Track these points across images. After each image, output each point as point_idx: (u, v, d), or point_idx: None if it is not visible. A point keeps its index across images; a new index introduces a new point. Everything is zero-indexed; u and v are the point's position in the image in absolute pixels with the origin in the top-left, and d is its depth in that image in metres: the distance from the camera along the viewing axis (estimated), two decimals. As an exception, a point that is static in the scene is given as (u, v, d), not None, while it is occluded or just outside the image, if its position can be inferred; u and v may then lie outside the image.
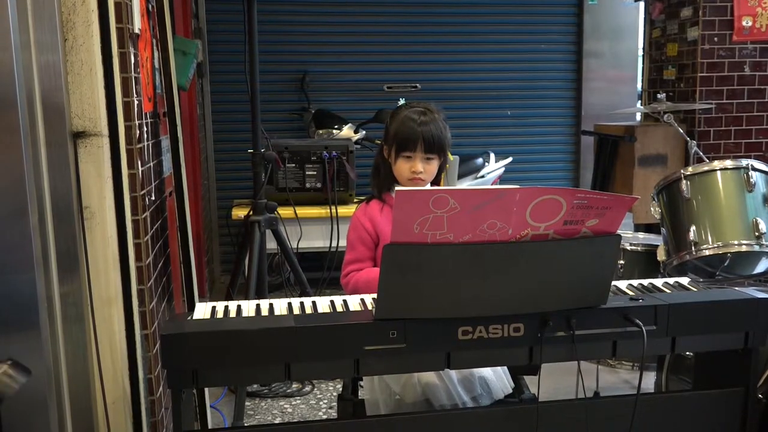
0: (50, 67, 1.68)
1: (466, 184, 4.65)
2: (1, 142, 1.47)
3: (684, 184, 2.62)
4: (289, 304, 1.74)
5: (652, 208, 2.78)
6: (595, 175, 4.69)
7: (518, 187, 1.47)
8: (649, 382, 2.86)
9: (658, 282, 1.95)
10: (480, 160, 4.85)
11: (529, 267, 1.54)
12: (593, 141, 4.85)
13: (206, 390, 2.60)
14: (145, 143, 2.11)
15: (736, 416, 1.83)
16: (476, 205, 1.44)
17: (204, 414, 2.55)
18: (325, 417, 3.04)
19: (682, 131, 3.34)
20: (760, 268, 2.64)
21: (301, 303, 1.75)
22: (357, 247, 2.06)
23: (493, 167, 4.89)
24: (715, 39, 4.33)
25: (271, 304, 1.73)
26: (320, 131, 4.85)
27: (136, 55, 2.02)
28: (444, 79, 5.39)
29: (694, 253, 2.55)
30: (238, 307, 1.73)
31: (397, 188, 1.46)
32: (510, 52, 5.49)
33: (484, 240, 1.49)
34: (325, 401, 3.21)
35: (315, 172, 4.09)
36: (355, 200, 4.14)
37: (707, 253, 2.54)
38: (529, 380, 2.02)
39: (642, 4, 5.24)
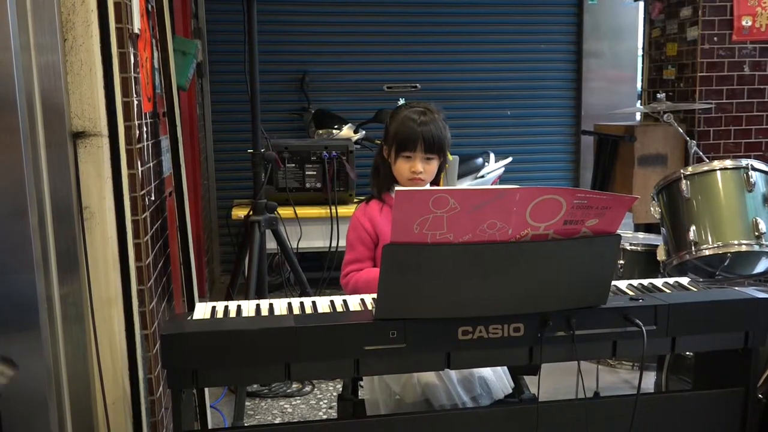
0: (50, 68, 1.68)
1: (465, 184, 4.65)
2: (1, 142, 1.47)
3: (684, 184, 2.61)
4: (289, 304, 1.74)
5: (651, 208, 2.78)
6: (594, 175, 4.69)
7: (518, 187, 1.47)
8: (649, 382, 2.86)
9: (658, 282, 1.95)
10: (480, 160, 4.85)
11: (529, 267, 1.54)
12: (593, 141, 4.85)
13: (206, 390, 2.60)
14: (145, 143, 2.11)
15: (736, 416, 1.83)
16: (476, 205, 1.44)
17: (204, 414, 2.55)
18: (325, 417, 3.04)
19: (681, 131, 3.34)
20: (760, 268, 2.64)
21: (301, 303, 1.75)
22: (357, 247, 2.06)
23: (493, 167, 4.89)
24: (715, 39, 4.33)
25: (271, 304, 1.73)
26: (320, 131, 4.85)
27: (135, 55, 2.02)
28: (444, 79, 5.39)
29: (694, 252, 2.55)
30: (238, 307, 1.73)
31: (397, 188, 1.46)
32: (510, 52, 5.49)
33: (484, 240, 1.49)
34: (325, 401, 3.21)
35: (315, 172, 4.09)
36: (355, 200, 4.14)
37: (707, 252, 2.54)
38: (529, 380, 2.02)
39: (641, 4, 5.24)
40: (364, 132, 4.87)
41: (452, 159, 4.35)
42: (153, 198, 2.19)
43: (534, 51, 5.53)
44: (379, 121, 4.64)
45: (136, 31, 2.02)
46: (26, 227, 1.51)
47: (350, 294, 1.93)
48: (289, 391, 3.29)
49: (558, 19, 5.55)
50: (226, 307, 1.73)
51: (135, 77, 1.98)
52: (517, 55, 5.50)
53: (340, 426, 1.83)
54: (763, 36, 4.35)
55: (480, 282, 1.53)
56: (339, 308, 1.72)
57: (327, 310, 1.72)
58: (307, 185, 4.09)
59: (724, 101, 4.40)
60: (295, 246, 3.76)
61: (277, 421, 3.02)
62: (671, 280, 1.98)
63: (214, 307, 1.73)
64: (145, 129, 2.11)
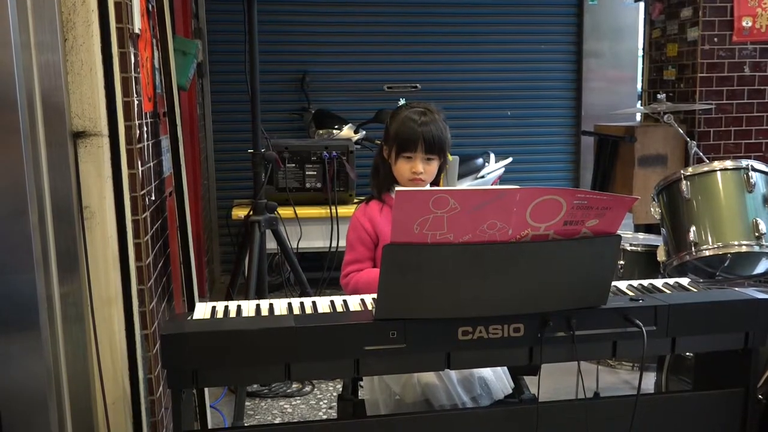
0: (50, 67, 1.68)
1: (466, 184, 4.65)
2: (1, 142, 1.48)
3: (684, 185, 2.61)
4: (289, 304, 1.74)
5: (652, 209, 2.78)
6: (595, 175, 4.70)
7: (518, 187, 1.47)
8: (649, 382, 2.86)
9: (658, 282, 1.95)
10: (480, 161, 4.85)
11: (529, 267, 1.54)
12: (593, 141, 4.85)
13: (206, 390, 2.60)
14: (145, 143, 2.11)
15: (736, 417, 1.83)
16: (476, 205, 1.44)
17: (204, 414, 2.55)
18: (325, 417, 3.04)
19: (682, 132, 3.34)
20: (760, 269, 2.64)
21: (301, 303, 1.75)
22: (356, 247, 2.06)
23: (493, 167, 4.89)
24: (715, 39, 4.33)
25: (271, 304, 1.73)
26: (320, 131, 4.85)
27: (136, 55, 2.02)
28: (444, 80, 5.39)
29: (694, 253, 2.55)
30: (238, 307, 1.73)
31: (397, 188, 1.46)
32: (510, 52, 5.49)
33: (484, 240, 1.49)
34: (325, 401, 3.21)
35: (315, 172, 4.09)
36: (355, 200, 4.14)
37: (707, 253, 2.54)
38: (529, 380, 2.02)
39: (642, 5, 5.24)
40: (364, 132, 4.87)
41: (452, 159, 4.34)
42: (153, 198, 2.19)
43: (534, 51, 5.52)
44: (379, 121, 4.64)
45: (137, 30, 2.02)
46: (26, 227, 1.51)
47: (350, 294, 1.93)
48: (289, 391, 3.28)
49: (558, 20, 5.55)
50: (226, 307, 1.73)
51: (135, 77, 1.98)
52: (517, 55, 5.50)
53: (340, 426, 1.83)
54: (764, 37, 4.35)
55: (480, 282, 1.53)
56: (339, 308, 1.72)
57: (327, 310, 1.71)
58: (307, 185, 4.09)
59: (725, 102, 4.40)
60: (295, 246, 3.76)
61: (277, 421, 3.02)
62: (671, 281, 1.98)
63: (214, 307, 1.73)
64: (145, 129, 2.11)
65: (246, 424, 2.91)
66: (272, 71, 5.01)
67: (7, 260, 1.51)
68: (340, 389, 2.10)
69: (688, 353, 2.41)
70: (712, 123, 4.41)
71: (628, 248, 3.29)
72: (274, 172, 3.94)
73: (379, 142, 2.40)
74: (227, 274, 4.74)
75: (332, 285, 3.72)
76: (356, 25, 5.30)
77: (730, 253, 2.52)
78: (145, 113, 2.13)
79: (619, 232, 1.59)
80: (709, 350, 1.87)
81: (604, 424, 1.75)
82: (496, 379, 1.94)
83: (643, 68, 5.22)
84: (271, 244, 3.44)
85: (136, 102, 1.97)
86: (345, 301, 1.76)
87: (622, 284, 1.92)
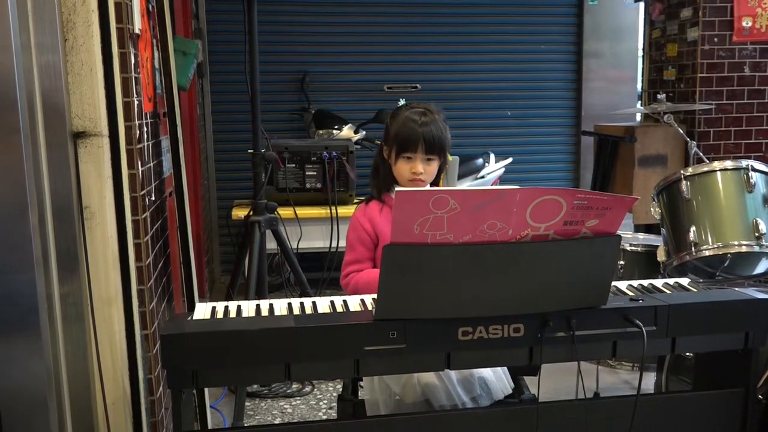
0: (50, 68, 1.68)
1: (466, 184, 4.65)
2: (2, 142, 1.48)
3: (684, 185, 2.61)
4: (289, 304, 1.74)
5: (652, 209, 2.78)
6: (595, 175, 4.69)
7: (518, 187, 1.47)
8: (649, 382, 2.86)
9: (658, 282, 1.95)
10: (480, 161, 4.85)
11: (529, 267, 1.54)
12: (593, 141, 4.85)
13: (206, 390, 2.60)
14: (145, 143, 2.11)
15: (737, 417, 1.83)
16: (476, 205, 1.44)
17: (204, 414, 2.55)
18: (325, 417, 3.04)
19: (682, 132, 3.34)
20: (760, 269, 2.64)
21: (301, 303, 1.75)
22: (356, 247, 2.06)
23: (493, 168, 4.89)
24: (715, 39, 4.33)
25: (271, 305, 1.73)
26: (320, 131, 4.85)
27: (136, 56, 2.02)
28: (444, 80, 5.39)
29: (694, 253, 2.55)
30: (238, 307, 1.73)
31: (397, 188, 1.46)
32: (510, 52, 5.49)
33: (484, 240, 1.49)
34: (325, 401, 3.21)
35: (315, 173, 4.09)
36: (355, 201, 4.14)
37: (707, 253, 2.54)
38: (529, 381, 2.02)
39: (642, 5, 5.24)
40: (364, 132, 4.87)
41: (452, 159, 4.35)
42: (153, 198, 2.19)
43: (534, 51, 5.52)
44: (379, 121, 4.64)
45: (137, 31, 2.02)
46: (26, 227, 1.51)
47: (350, 295, 1.93)
48: (289, 391, 3.28)
49: (558, 20, 5.55)
50: (226, 307, 1.73)
51: (135, 77, 1.98)
52: (517, 55, 5.50)
53: (340, 426, 1.83)
54: (764, 37, 4.35)
55: (480, 282, 1.53)
56: (339, 308, 1.72)
57: (327, 310, 1.72)
58: (308, 185, 4.09)
59: (725, 102, 4.40)
60: (295, 246, 3.76)
61: (277, 421, 3.02)
62: (671, 281, 1.98)
63: (214, 308, 1.73)
64: (145, 129, 2.11)
65: (246, 425, 2.91)
66: (272, 71, 5.01)
67: (7, 260, 1.51)
68: (340, 389, 2.10)
69: (688, 353, 2.41)
70: (712, 123, 4.41)
71: (628, 248, 3.29)
72: (274, 172, 3.94)
73: (379, 142, 2.40)
74: (227, 275, 4.74)
75: (332, 285, 3.72)
76: (356, 25, 5.30)
77: (730, 253, 2.52)
78: (145, 113, 2.13)
79: (619, 232, 1.59)
80: (709, 350, 1.87)
81: (604, 424, 1.76)
82: (496, 379, 1.94)
83: (643, 68, 5.22)
84: (271, 245, 3.44)
85: (136, 102, 1.97)
86: (345, 302, 1.76)
87: (622, 284, 1.92)
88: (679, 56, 4.55)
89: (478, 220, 1.46)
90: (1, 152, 1.48)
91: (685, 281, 1.98)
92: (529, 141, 5.61)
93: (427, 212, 1.43)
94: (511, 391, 1.96)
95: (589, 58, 5.62)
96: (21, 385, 1.56)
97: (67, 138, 1.74)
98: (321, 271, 4.03)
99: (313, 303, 1.76)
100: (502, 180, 4.95)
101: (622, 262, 3.27)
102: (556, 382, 2.07)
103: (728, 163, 2.63)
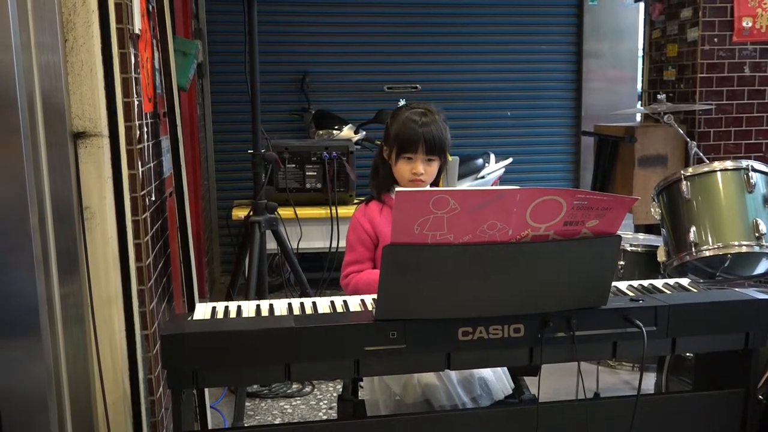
0: (50, 68, 1.68)
1: (466, 184, 4.65)
2: (2, 142, 1.48)
3: (684, 185, 2.61)
4: (289, 304, 1.74)
5: (652, 209, 2.77)
6: (595, 175, 4.69)
7: (518, 187, 1.47)
8: (649, 383, 2.86)
9: (659, 283, 1.95)
10: (480, 161, 4.85)
11: (529, 268, 1.54)
12: (593, 141, 4.85)
13: (206, 390, 2.60)
14: (146, 144, 2.11)
15: (737, 417, 1.83)
16: (476, 205, 1.44)
17: (204, 414, 2.55)
18: (325, 417, 3.04)
19: (682, 132, 3.34)
20: (760, 269, 2.64)
21: (301, 303, 1.75)
22: (356, 248, 2.06)
23: (493, 168, 4.89)
24: (715, 40, 4.33)
25: (271, 305, 1.73)
26: (320, 132, 4.85)
27: (136, 56, 2.02)
28: (444, 80, 5.39)
29: (694, 254, 2.55)
30: (238, 307, 1.73)
31: (397, 189, 1.46)
32: (510, 53, 5.49)
33: (485, 241, 1.49)
34: (325, 402, 3.21)
35: (315, 173, 4.09)
36: (355, 201, 4.14)
37: (707, 254, 2.54)
38: (529, 381, 2.02)
39: (642, 5, 5.24)
40: (364, 132, 4.87)
41: (452, 160, 4.34)
42: (153, 198, 2.19)
43: (534, 51, 5.52)
44: (379, 121, 4.64)
45: (137, 31, 2.02)
46: (26, 227, 1.51)
47: (350, 295, 1.93)
48: (289, 391, 3.28)
49: (558, 20, 5.55)
50: (227, 307, 1.73)
51: (136, 78, 1.98)
52: (517, 55, 5.50)
53: (340, 426, 1.83)
54: (764, 37, 4.35)
55: (480, 283, 1.53)
56: (339, 309, 1.72)
57: (327, 310, 1.72)
58: (308, 186, 4.09)
59: (725, 102, 4.40)
60: (296, 246, 3.76)
61: (277, 421, 3.02)
62: (671, 281, 1.98)
63: (214, 308, 1.73)
64: (145, 129, 2.11)
65: (246, 425, 2.91)
66: (272, 71, 5.01)
67: (7, 260, 1.51)
68: (340, 390, 2.10)
69: (688, 354, 2.41)
70: (712, 123, 4.41)
71: (629, 249, 3.29)
72: (275, 172, 3.94)
73: (379, 142, 2.40)
74: (227, 275, 4.74)
75: (332, 285, 3.72)
76: (356, 25, 5.30)
77: (731, 254, 2.52)
78: (146, 114, 2.13)
79: (619, 232, 1.59)
80: (710, 351, 1.87)
81: (604, 424, 1.76)
82: (497, 379, 1.94)
83: (643, 68, 5.22)
84: (272, 245, 3.44)
85: (136, 102, 1.97)
86: (345, 302, 1.76)
87: (623, 284, 1.92)
88: (679, 56, 4.55)
89: (478, 220, 1.46)
90: (2, 152, 1.48)
91: (685, 281, 1.98)
92: (529, 141, 5.61)
93: (427, 212, 1.43)
94: (511, 392, 1.96)
95: (589, 58, 5.62)
96: (21, 385, 1.56)
97: (67, 138, 1.74)
98: (321, 271, 4.03)
99: (313, 303, 1.75)
100: (502, 180, 4.95)
101: (622, 263, 3.27)
102: (556, 382, 2.07)
103: (728, 164, 2.63)
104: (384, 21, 5.33)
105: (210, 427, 2.66)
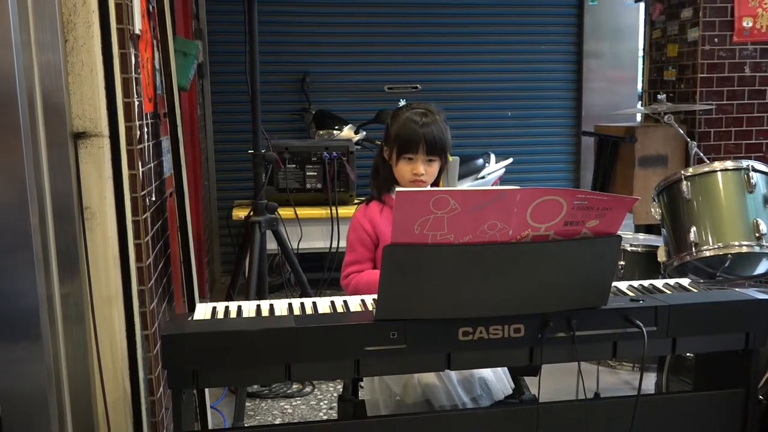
0: (51, 68, 1.68)
1: (466, 184, 4.65)
2: (2, 142, 1.48)
3: (684, 185, 2.61)
4: (290, 304, 1.74)
5: (652, 209, 2.78)
6: (595, 175, 4.69)
7: (519, 187, 1.47)
8: (649, 383, 2.86)
9: (659, 283, 1.95)
10: (480, 161, 4.85)
11: (530, 268, 1.54)
12: (593, 142, 4.85)
13: (206, 390, 2.60)
14: (146, 144, 2.11)
15: (737, 417, 1.83)
16: (477, 205, 1.44)
17: (204, 414, 2.55)
18: (325, 418, 3.04)
19: (682, 132, 3.34)
20: (760, 269, 2.64)
21: (302, 303, 1.75)
22: (357, 248, 2.06)
23: (494, 168, 4.89)
24: (716, 40, 4.33)
25: (271, 305, 1.73)
26: (321, 132, 4.85)
27: (136, 56, 2.02)
28: (444, 80, 5.39)
29: (694, 254, 2.55)
30: (239, 307, 1.73)
31: (397, 189, 1.46)
32: (510, 53, 5.49)
33: (485, 241, 1.49)
34: (326, 402, 3.21)
35: (315, 173, 4.09)
36: (356, 201, 4.14)
37: (708, 254, 2.54)
38: (530, 381, 2.02)
39: (642, 5, 5.24)
40: (364, 133, 4.87)
41: (453, 160, 4.34)
42: (154, 198, 2.19)
43: (534, 51, 5.52)
44: (379, 122, 4.64)
45: (137, 31, 2.02)
46: (27, 227, 1.51)
47: (351, 295, 1.93)
48: (289, 391, 3.28)
49: (558, 20, 5.55)
50: (227, 307, 1.73)
51: (136, 78, 1.98)
52: (517, 55, 5.50)
53: (341, 426, 1.83)
54: (764, 37, 4.35)
55: (480, 283, 1.53)
56: (339, 309, 1.72)
57: (327, 310, 1.71)
58: (308, 186, 4.09)
59: (725, 102, 4.39)
60: (296, 247, 3.76)
61: (278, 421, 3.02)
62: (672, 281, 1.98)
63: (214, 308, 1.73)
64: (145, 129, 2.11)
65: (246, 425, 2.91)
66: (272, 72, 5.01)
67: (8, 260, 1.51)
68: (341, 390, 2.10)
69: (688, 354, 2.41)
70: (713, 123, 4.41)
71: (629, 249, 3.29)
72: (275, 172, 3.94)
73: (379, 142, 2.40)
74: (228, 275, 4.74)
75: (332, 285, 3.72)
76: (356, 25, 5.30)
77: (731, 254, 2.52)
78: (146, 114, 2.13)
79: (619, 232, 1.59)
80: (710, 351, 1.87)
81: (604, 424, 1.75)
82: (497, 379, 1.94)
83: (643, 69, 5.22)
84: (272, 245, 3.44)
85: (136, 103, 1.97)
86: (345, 302, 1.76)
87: (623, 285, 1.92)
88: (680, 56, 4.55)
89: (478, 220, 1.46)
90: (2, 152, 1.48)
91: (685, 282, 1.98)
92: (529, 141, 5.61)
93: (427, 212, 1.43)
94: (511, 392, 1.96)
95: (590, 58, 5.62)
96: (21, 385, 1.56)
97: (67, 138, 1.74)
98: (321, 271, 4.03)
99: (314, 303, 1.75)
100: (502, 180, 4.95)
101: (622, 263, 3.27)
102: (556, 382, 2.07)
103: (729, 164, 2.63)
104: (384, 21, 5.33)
105: (210, 427, 2.66)
